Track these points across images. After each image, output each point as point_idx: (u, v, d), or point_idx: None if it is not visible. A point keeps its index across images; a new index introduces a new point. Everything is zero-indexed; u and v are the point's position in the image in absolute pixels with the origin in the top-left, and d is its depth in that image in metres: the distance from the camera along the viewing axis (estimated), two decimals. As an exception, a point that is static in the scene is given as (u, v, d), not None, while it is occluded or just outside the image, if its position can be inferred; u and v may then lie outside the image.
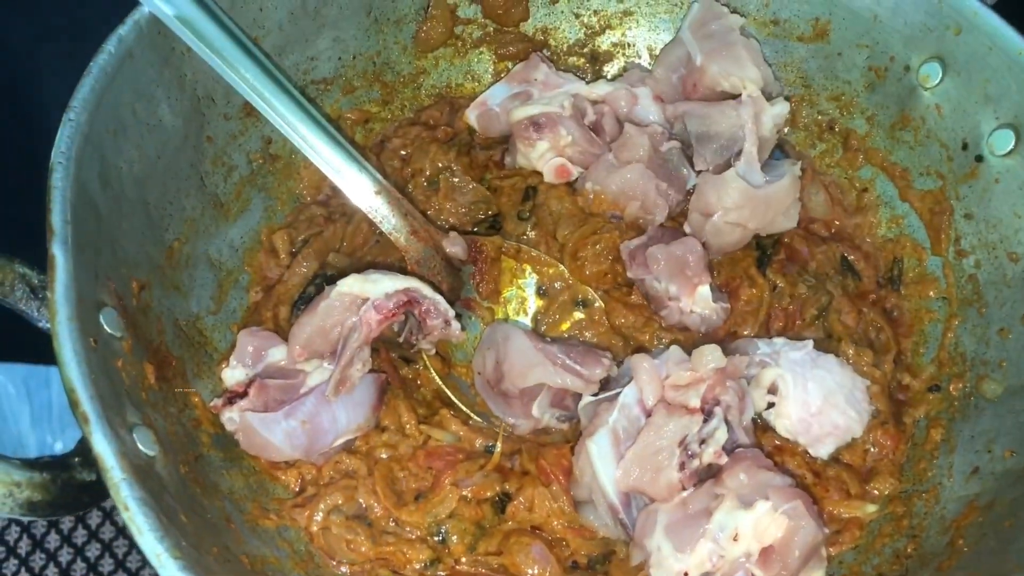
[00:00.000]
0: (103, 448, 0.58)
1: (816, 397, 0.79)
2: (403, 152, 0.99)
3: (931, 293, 0.92)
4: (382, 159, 0.98)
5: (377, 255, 0.93)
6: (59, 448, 1.59)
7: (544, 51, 1.04)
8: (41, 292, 0.67)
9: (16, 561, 1.60)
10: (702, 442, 0.73)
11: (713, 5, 0.95)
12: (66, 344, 0.61)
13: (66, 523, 1.64)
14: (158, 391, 0.73)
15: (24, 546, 1.60)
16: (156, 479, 0.63)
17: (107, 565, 1.63)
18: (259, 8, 0.89)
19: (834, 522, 0.80)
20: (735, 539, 0.71)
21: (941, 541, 0.76)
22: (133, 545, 1.65)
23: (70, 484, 0.60)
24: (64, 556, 1.61)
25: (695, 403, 0.74)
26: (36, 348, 1.42)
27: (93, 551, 1.62)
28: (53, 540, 1.62)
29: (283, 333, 0.84)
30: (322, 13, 0.94)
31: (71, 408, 0.60)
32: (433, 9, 1.00)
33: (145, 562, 1.64)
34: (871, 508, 0.80)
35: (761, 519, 0.70)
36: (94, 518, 1.66)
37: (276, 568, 0.72)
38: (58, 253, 0.65)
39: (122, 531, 1.65)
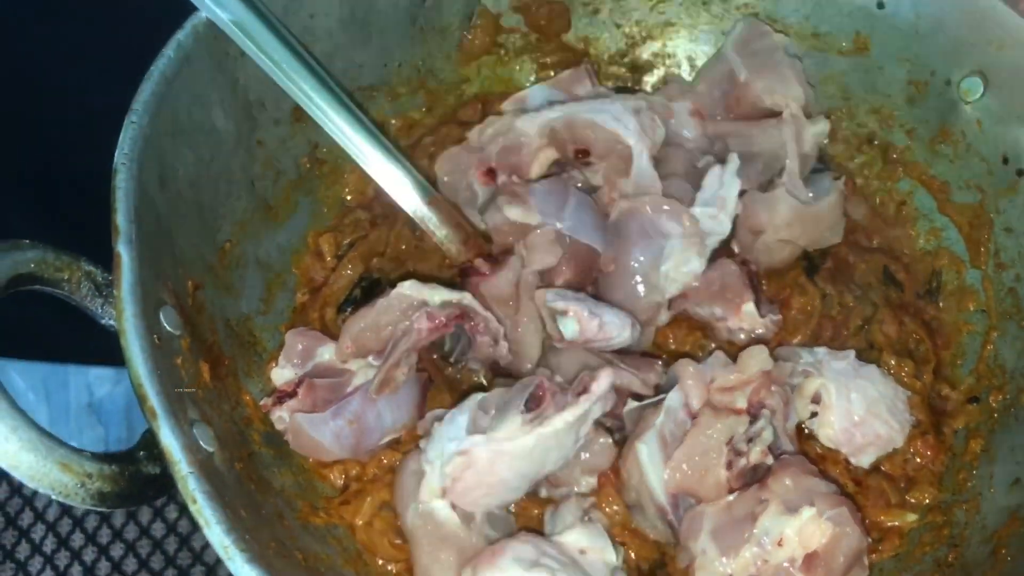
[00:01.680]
0: (170, 443, 0.60)
1: (859, 407, 0.80)
2: (432, 150, 1.00)
3: (970, 306, 0.92)
4: (415, 156, 1.00)
5: (419, 260, 0.94)
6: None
7: (585, 60, 1.06)
8: (105, 290, 0.68)
9: (41, 559, 1.62)
10: (749, 440, 0.74)
11: (758, 25, 0.96)
12: (133, 341, 0.63)
13: (91, 521, 1.66)
14: (212, 389, 0.75)
15: (49, 544, 1.62)
16: (216, 474, 0.64)
17: (131, 565, 1.65)
18: (310, 15, 0.90)
19: (875, 530, 0.81)
20: (780, 544, 0.71)
21: (983, 551, 0.77)
22: (157, 546, 1.67)
23: (137, 477, 0.61)
24: (88, 555, 1.63)
25: (741, 404, 0.75)
26: (55, 347, 1.44)
27: (117, 551, 1.64)
28: (78, 539, 1.64)
29: (329, 334, 0.86)
30: (370, 21, 0.96)
31: (139, 404, 0.61)
32: (478, 19, 1.02)
33: (168, 562, 1.66)
34: (911, 517, 0.81)
35: (806, 525, 0.71)
36: (118, 516, 1.68)
37: (328, 565, 0.73)
38: (123, 252, 0.66)
39: (145, 532, 1.67)
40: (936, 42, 0.92)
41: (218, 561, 1.60)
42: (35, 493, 1.64)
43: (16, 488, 1.58)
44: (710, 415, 0.75)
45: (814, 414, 0.82)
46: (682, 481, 0.74)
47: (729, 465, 0.74)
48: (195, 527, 1.59)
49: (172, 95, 0.78)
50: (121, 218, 0.68)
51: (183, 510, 1.62)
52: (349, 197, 0.98)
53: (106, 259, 0.70)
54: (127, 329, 0.63)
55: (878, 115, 0.99)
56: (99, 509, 0.59)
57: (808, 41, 1.00)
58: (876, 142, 1.00)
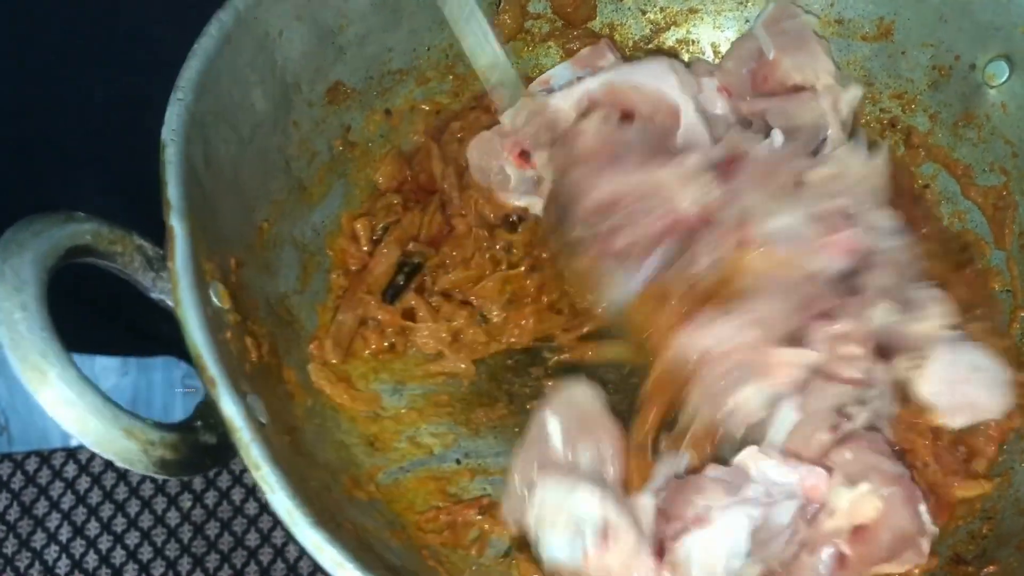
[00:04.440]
0: (231, 410, 0.60)
1: (961, 368, 0.81)
2: (460, 135, 1.00)
3: (995, 286, 0.94)
4: (442, 141, 1.00)
5: (453, 245, 0.95)
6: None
7: (605, 36, 1.07)
8: (157, 264, 0.69)
9: (57, 548, 1.62)
10: (860, 403, 0.76)
11: (788, 5, 0.98)
12: (190, 312, 0.63)
13: (106, 512, 1.66)
14: (257, 364, 0.75)
15: (65, 533, 1.62)
16: (271, 445, 0.65)
17: (146, 553, 1.65)
18: (345, -1, 0.91)
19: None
20: (830, 514, 0.72)
21: (1019, 521, 0.78)
22: (172, 534, 1.67)
23: (196, 446, 0.62)
24: (104, 544, 1.63)
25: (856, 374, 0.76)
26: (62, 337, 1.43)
27: (133, 538, 1.64)
28: (93, 527, 1.64)
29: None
30: (401, 5, 0.96)
31: (198, 374, 0.62)
32: (505, 4, 1.03)
33: (184, 550, 1.66)
34: (987, 486, 0.82)
35: (858, 499, 0.72)
36: (131, 505, 1.68)
37: (375, 536, 0.74)
38: (176, 225, 0.67)
39: (160, 519, 1.67)
40: (961, 27, 0.94)
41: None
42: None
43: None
44: (822, 382, 0.76)
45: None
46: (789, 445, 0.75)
47: (834, 428, 0.74)
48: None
49: (214, 74, 0.78)
50: (172, 192, 0.68)
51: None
52: (380, 180, 0.98)
53: (153, 235, 0.71)
54: (183, 300, 0.64)
55: (901, 100, 1.01)
56: (160, 476, 0.59)
57: (832, 27, 1.02)
58: (898, 126, 1.02)
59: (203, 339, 0.62)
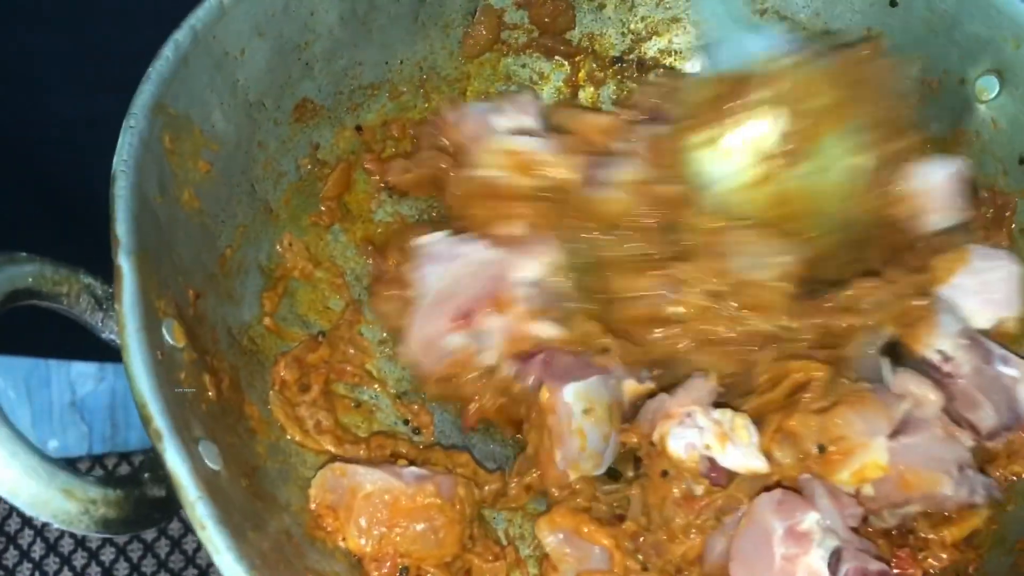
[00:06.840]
0: (177, 466, 0.57)
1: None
2: None
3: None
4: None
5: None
6: (53, 447, 1.57)
7: (588, 56, 1.04)
8: (106, 303, 0.66)
9: (30, 565, 1.59)
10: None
11: None
12: (136, 358, 0.60)
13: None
14: (215, 403, 0.72)
15: (39, 550, 1.60)
16: (224, 495, 0.62)
17: (122, 569, 1.62)
18: (310, 12, 0.88)
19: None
20: None
21: (1004, 562, 0.76)
22: (148, 549, 1.64)
23: (142, 501, 0.59)
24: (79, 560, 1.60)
25: None
26: (38, 341, 1.40)
27: (108, 554, 1.62)
28: (67, 544, 1.61)
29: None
30: (371, 18, 0.93)
31: (143, 424, 0.59)
32: (481, 15, 0.99)
33: (161, 565, 1.63)
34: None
35: None
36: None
37: (336, 583, 0.71)
38: (124, 264, 0.64)
39: (137, 535, 1.64)
40: (950, 39, 0.91)
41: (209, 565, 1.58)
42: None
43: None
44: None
45: None
46: None
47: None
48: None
49: (171, 97, 0.75)
50: (121, 228, 0.65)
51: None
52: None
53: (104, 269, 0.68)
54: (130, 345, 0.61)
55: (890, 114, 0.98)
56: (103, 536, 0.56)
57: (818, 38, 0.98)
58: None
59: (149, 389, 0.59)
